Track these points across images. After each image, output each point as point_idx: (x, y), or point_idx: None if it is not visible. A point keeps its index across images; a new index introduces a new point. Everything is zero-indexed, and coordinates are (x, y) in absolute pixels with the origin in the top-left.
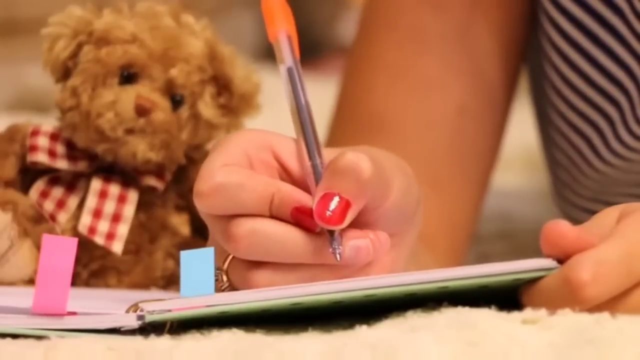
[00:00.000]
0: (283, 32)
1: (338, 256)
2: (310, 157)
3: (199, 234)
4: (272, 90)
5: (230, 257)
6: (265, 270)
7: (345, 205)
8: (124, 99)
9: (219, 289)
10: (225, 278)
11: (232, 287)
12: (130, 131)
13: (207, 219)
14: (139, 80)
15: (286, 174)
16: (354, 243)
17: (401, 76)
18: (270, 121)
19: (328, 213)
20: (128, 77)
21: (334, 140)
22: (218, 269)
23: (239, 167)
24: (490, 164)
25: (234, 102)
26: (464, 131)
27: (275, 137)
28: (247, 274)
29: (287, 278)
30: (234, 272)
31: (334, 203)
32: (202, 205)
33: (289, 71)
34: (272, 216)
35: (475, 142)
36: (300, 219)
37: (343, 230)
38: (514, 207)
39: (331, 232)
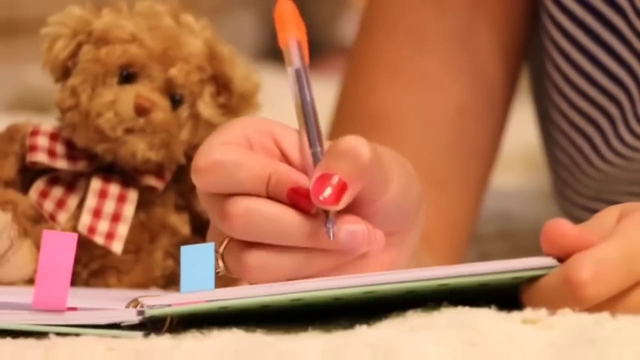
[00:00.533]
0: (293, 39)
1: (332, 235)
2: (311, 145)
3: (199, 234)
4: (271, 90)
5: (226, 241)
6: (259, 251)
7: (342, 187)
8: (124, 99)
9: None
10: (221, 263)
11: (228, 271)
12: (129, 131)
13: (203, 199)
14: (138, 79)
15: (286, 162)
16: (350, 227)
17: (402, 75)
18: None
19: (324, 193)
20: (127, 76)
21: (334, 139)
22: (215, 251)
23: (238, 146)
24: (489, 164)
25: (233, 101)
26: (464, 130)
27: (277, 124)
28: (241, 255)
29: (280, 260)
30: (229, 255)
31: (330, 183)
32: (199, 182)
33: (297, 72)
34: (269, 196)
35: (475, 142)
36: (297, 199)
37: (339, 215)
38: (513, 207)
39: (327, 213)
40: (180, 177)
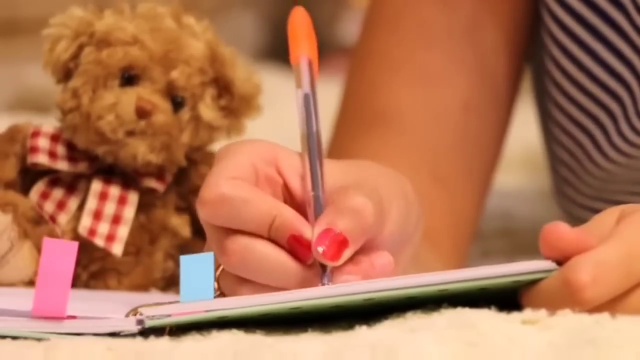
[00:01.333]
0: (305, 58)
1: None
2: (313, 188)
3: (200, 235)
4: (272, 90)
5: (222, 267)
6: (252, 288)
7: (343, 243)
8: (125, 101)
9: None
10: (216, 285)
11: (222, 295)
12: (130, 133)
13: (205, 227)
14: (139, 82)
15: (287, 192)
16: (346, 279)
17: (405, 71)
18: (270, 122)
19: (324, 248)
20: (129, 78)
21: (338, 138)
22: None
23: (246, 182)
24: (493, 161)
25: (234, 103)
26: (468, 127)
27: (281, 151)
28: (235, 287)
29: None
30: (224, 281)
31: (332, 239)
32: (204, 214)
33: (305, 98)
34: (270, 237)
35: (478, 138)
36: (296, 247)
37: None
38: (514, 206)
39: (324, 267)
40: (180, 179)
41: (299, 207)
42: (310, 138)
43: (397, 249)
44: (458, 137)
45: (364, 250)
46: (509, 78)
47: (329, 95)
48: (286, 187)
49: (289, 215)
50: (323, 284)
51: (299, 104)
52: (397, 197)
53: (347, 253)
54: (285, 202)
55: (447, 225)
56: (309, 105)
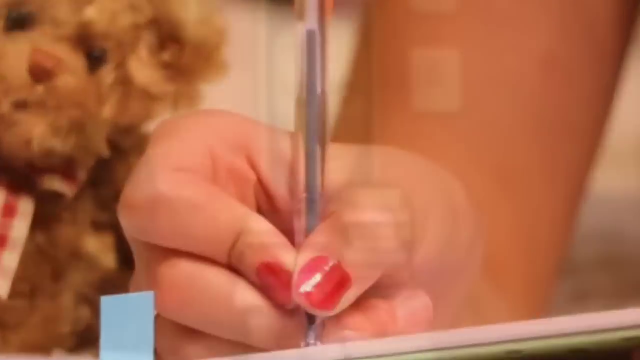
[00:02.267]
0: None
1: None
2: (307, 188)
3: (130, 266)
4: (246, 39)
5: (155, 312)
6: (203, 345)
7: (343, 282)
8: (12, 55)
9: None
10: None
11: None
12: (21, 105)
13: (132, 244)
14: (35, 25)
15: (263, 194)
16: (347, 336)
17: (463, 12)
18: (241, 89)
19: (311, 288)
20: (18, 20)
21: (354, 111)
22: None
23: (197, 176)
24: (590, 147)
25: (185, 58)
26: (550, 94)
27: (256, 130)
28: (177, 344)
29: None
30: (160, 333)
31: (325, 274)
32: (130, 224)
33: (308, 36)
34: (229, 264)
35: (566, 112)
36: (269, 283)
37: None
38: (623, 222)
39: (311, 317)
40: (101, 178)
41: (281, 219)
42: (310, 103)
43: (437, 285)
44: (535, 110)
45: (381, 288)
46: (615, 23)
47: (335, 44)
48: (261, 187)
49: (261, 229)
50: (308, 344)
51: (298, 47)
52: (438, 206)
53: (348, 296)
54: (259, 210)
55: (518, 249)
56: (313, 49)
